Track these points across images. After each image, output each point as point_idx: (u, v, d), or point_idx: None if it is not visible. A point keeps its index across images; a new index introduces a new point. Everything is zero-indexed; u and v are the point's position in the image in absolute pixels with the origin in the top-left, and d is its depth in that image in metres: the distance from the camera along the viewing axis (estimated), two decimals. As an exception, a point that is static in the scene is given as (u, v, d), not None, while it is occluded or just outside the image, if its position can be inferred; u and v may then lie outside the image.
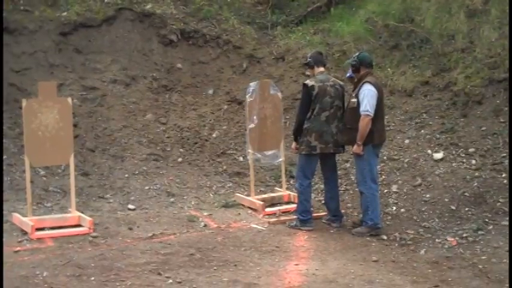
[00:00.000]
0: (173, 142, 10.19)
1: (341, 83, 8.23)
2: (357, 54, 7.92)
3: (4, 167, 8.48)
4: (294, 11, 13.08)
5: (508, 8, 10.05)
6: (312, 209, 8.25)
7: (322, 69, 8.13)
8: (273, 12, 12.95)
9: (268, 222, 8.13)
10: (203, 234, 7.60)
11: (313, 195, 8.85)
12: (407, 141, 9.72)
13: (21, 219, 7.43)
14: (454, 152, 9.21)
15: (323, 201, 8.50)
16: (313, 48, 11.60)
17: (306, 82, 8.03)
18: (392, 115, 10.28)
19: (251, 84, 8.94)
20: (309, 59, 8.19)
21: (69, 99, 7.93)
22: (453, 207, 8.14)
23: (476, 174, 8.67)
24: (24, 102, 7.57)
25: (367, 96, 7.54)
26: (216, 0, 12.79)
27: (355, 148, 7.64)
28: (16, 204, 7.94)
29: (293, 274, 6.34)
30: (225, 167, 9.93)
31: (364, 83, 7.63)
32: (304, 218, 7.96)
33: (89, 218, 7.53)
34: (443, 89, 10.32)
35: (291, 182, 9.33)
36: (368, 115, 7.51)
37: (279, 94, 9.03)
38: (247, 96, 8.86)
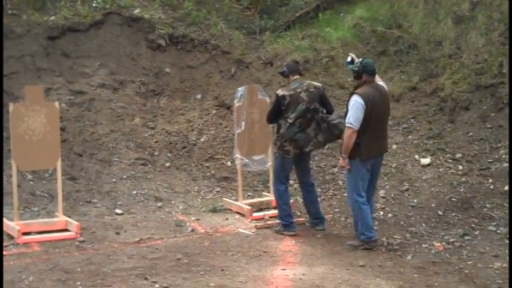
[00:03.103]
0: (161, 147, 10.17)
1: (316, 84, 8.18)
2: (360, 60, 7.57)
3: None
4: (282, 16, 13.09)
5: (508, 9, 10.11)
6: (293, 212, 8.31)
7: (296, 76, 8.06)
8: (261, 17, 12.96)
9: (256, 227, 8.13)
10: (190, 239, 7.60)
11: (300, 200, 8.85)
12: (394, 146, 9.76)
13: (8, 223, 7.40)
14: (441, 158, 9.27)
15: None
16: (301, 53, 11.68)
17: (277, 92, 8.05)
18: (380, 120, 10.30)
19: (239, 89, 8.95)
20: (284, 69, 8.19)
21: (57, 104, 7.92)
22: (440, 213, 8.18)
23: (463, 179, 8.72)
24: (11, 107, 7.55)
25: (353, 108, 7.24)
26: (205, 5, 12.80)
27: (341, 161, 7.46)
28: (3, 209, 7.88)
29: (280, 279, 6.35)
30: (213, 172, 9.93)
31: (353, 93, 7.38)
32: (286, 222, 7.97)
33: (75, 223, 7.52)
34: (431, 94, 10.39)
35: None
36: (350, 127, 7.22)
37: (267, 99, 9.03)
38: (235, 101, 8.87)
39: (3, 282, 5.61)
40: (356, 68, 7.45)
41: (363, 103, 7.19)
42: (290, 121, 7.81)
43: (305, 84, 8.01)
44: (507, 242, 7.17)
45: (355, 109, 7.21)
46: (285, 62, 10.07)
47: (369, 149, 7.33)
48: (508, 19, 9.96)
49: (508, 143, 8.70)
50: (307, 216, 8.37)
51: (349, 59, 7.68)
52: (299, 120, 7.81)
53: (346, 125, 7.28)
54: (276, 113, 7.95)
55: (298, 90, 7.87)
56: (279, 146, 7.93)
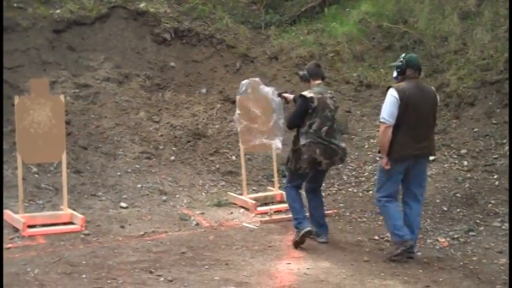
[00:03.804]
0: (166, 140, 10.17)
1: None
2: (403, 55, 6.99)
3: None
4: (288, 10, 13.10)
5: (508, 9, 10.09)
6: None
7: (318, 81, 7.32)
8: (267, 11, 12.97)
9: (260, 222, 8.13)
10: (195, 233, 7.60)
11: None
12: (399, 141, 9.73)
13: (13, 216, 7.41)
14: (446, 153, 9.25)
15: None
16: (306, 48, 11.68)
17: (303, 93, 7.15)
18: (385, 116, 10.30)
19: (243, 82, 8.95)
20: (304, 72, 7.42)
21: (62, 97, 7.93)
22: (445, 208, 8.17)
23: (468, 175, 8.70)
24: (16, 99, 7.56)
25: (386, 103, 6.71)
26: (210, -1, 12.82)
27: (380, 161, 6.91)
28: (8, 201, 7.90)
29: (284, 273, 6.34)
30: (217, 166, 9.93)
31: (389, 87, 6.85)
32: (297, 221, 7.30)
33: (80, 216, 7.52)
34: (436, 90, 10.28)
35: (283, 181, 9.31)
36: (383, 123, 6.70)
37: (270, 92, 8.99)
38: (238, 96, 8.88)
39: (3, 276, 5.60)
40: (399, 63, 6.86)
41: (397, 97, 6.64)
42: (315, 128, 7.06)
43: (329, 91, 7.43)
44: (512, 238, 7.17)
45: (388, 103, 6.70)
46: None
47: (402, 149, 6.70)
48: (508, 18, 9.94)
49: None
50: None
51: (395, 73, 6.99)
52: (325, 129, 7.09)
53: (380, 120, 6.82)
54: (302, 116, 7.10)
55: (325, 96, 7.19)
56: (308, 159, 7.06)
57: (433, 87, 7.16)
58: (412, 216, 6.93)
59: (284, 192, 8.84)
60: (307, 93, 7.12)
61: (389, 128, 6.67)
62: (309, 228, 7.13)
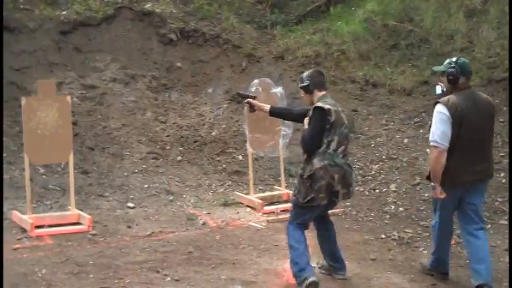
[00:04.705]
0: (172, 141, 10.20)
1: None
2: (453, 59, 5.77)
3: (4, 165, 8.49)
4: (294, 10, 13.13)
5: (508, 8, 10.07)
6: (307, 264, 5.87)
7: (324, 92, 5.97)
8: (273, 11, 12.99)
9: (267, 221, 8.14)
10: (202, 233, 7.61)
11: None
12: (406, 140, 9.75)
13: (21, 216, 7.45)
14: (452, 151, 9.23)
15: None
16: (312, 48, 11.67)
17: (319, 105, 5.75)
18: (392, 114, 10.31)
19: (254, 82, 8.97)
20: (306, 82, 5.96)
21: (68, 98, 7.96)
22: (451, 207, 8.15)
23: (475, 173, 8.67)
24: (23, 101, 7.59)
25: (435, 122, 5.61)
26: (216, -1, 12.85)
27: (435, 192, 5.76)
28: (15, 202, 7.95)
29: (291, 272, 6.34)
30: (224, 166, 9.95)
31: (436, 102, 5.72)
32: (297, 267, 5.80)
33: (88, 216, 7.55)
34: (442, 88, 10.34)
35: (290, 180, 9.33)
36: (436, 147, 5.58)
37: (279, 94, 9.02)
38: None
39: (3, 275, 5.63)
40: (451, 69, 5.69)
41: (449, 114, 5.55)
42: (333, 147, 5.73)
43: (338, 104, 6.05)
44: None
45: (439, 122, 5.59)
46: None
47: (455, 174, 5.62)
48: (508, 17, 9.92)
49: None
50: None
51: (438, 90, 5.98)
52: (342, 148, 5.78)
53: (431, 143, 5.68)
54: (321, 133, 5.72)
55: (339, 109, 5.90)
56: (324, 187, 5.66)
57: (487, 96, 6.00)
58: (479, 246, 5.86)
59: (292, 191, 8.90)
60: (323, 105, 5.76)
61: (444, 152, 5.58)
62: (313, 279, 5.67)
